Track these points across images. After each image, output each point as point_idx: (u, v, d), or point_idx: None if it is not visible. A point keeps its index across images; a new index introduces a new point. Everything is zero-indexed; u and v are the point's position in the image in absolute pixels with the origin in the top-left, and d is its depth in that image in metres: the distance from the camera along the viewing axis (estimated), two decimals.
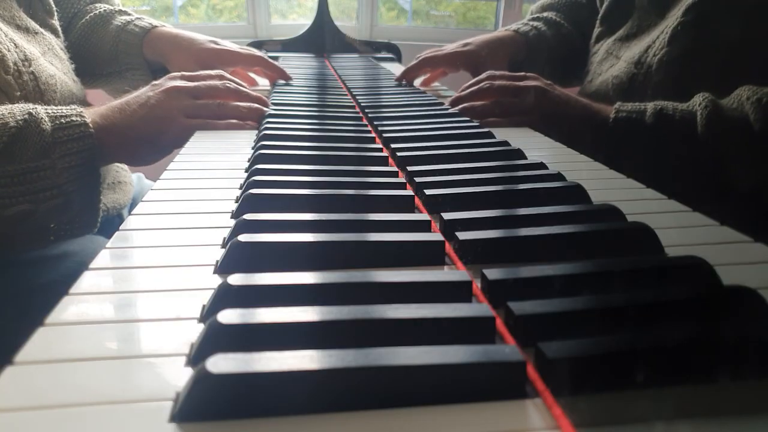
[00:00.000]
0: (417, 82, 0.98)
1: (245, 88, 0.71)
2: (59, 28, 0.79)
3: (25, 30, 0.71)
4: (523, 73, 0.74)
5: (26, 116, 0.53)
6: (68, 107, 0.57)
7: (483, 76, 0.76)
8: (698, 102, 0.62)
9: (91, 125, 0.56)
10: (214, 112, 0.65)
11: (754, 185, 0.60)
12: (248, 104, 0.68)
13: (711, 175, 0.62)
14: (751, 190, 0.60)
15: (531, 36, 0.96)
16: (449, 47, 0.97)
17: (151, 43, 0.88)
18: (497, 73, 0.76)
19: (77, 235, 0.60)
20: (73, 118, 0.55)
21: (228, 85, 0.69)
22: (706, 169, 0.62)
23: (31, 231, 0.55)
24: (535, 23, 0.98)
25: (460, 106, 0.73)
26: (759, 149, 0.60)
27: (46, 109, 0.55)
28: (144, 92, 0.64)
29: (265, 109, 0.69)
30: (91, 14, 0.89)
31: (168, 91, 0.64)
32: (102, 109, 0.61)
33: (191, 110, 0.64)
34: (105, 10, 0.90)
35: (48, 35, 0.75)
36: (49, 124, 0.54)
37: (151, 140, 0.62)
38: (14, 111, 0.53)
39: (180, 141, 0.60)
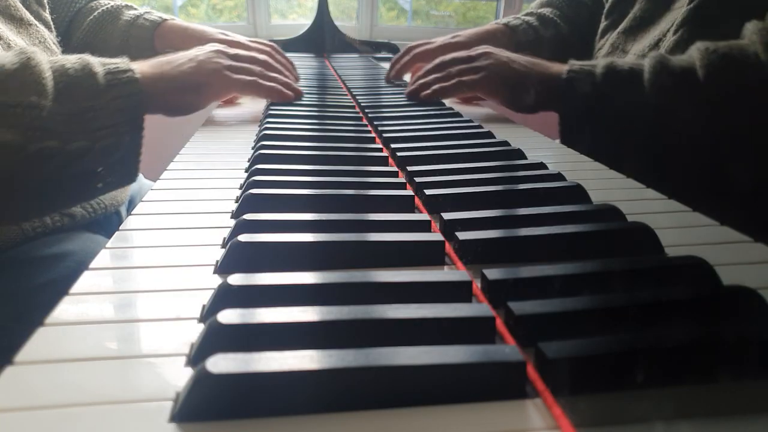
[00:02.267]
0: (407, 77, 0.98)
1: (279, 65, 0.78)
2: (51, 23, 0.80)
3: (19, 20, 0.72)
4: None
5: (80, 61, 0.58)
6: (114, 58, 0.63)
7: (435, 61, 0.79)
8: (649, 55, 0.64)
9: (136, 72, 0.61)
10: (255, 74, 0.71)
11: (747, 177, 0.60)
12: (284, 79, 0.75)
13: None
14: (751, 189, 0.60)
15: (520, 30, 0.96)
16: (439, 40, 0.96)
17: (162, 36, 0.90)
18: (446, 56, 0.79)
19: (119, 185, 0.64)
20: (120, 65, 0.61)
21: (266, 58, 0.76)
22: (655, 125, 0.64)
23: (82, 176, 0.60)
24: (528, 18, 0.99)
25: (426, 92, 0.76)
26: (704, 97, 0.61)
27: (93, 58, 0.60)
28: (191, 51, 0.71)
29: (292, 94, 0.74)
30: (99, 11, 0.90)
31: (215, 50, 0.71)
32: (152, 60, 0.68)
33: (235, 70, 0.70)
34: (112, 6, 0.91)
35: (41, 28, 0.76)
36: (101, 68, 0.59)
37: (196, 90, 0.67)
38: (69, 58, 0.58)
39: (221, 95, 0.70)
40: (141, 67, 0.63)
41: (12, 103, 0.52)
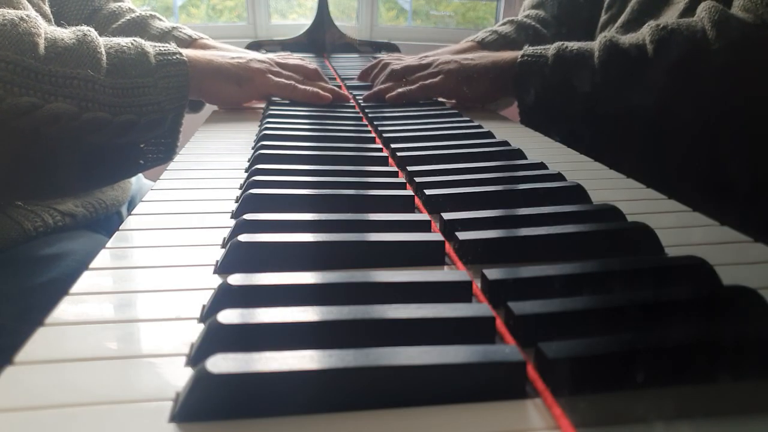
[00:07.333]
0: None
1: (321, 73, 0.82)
2: (51, 16, 0.79)
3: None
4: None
5: (134, 42, 0.63)
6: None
7: (386, 71, 0.82)
8: (599, 36, 0.66)
9: (184, 55, 0.65)
10: (294, 79, 0.76)
11: (744, 174, 0.61)
12: (327, 86, 0.79)
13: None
14: (751, 188, 0.60)
15: (493, 45, 0.95)
16: (408, 59, 0.92)
17: None
18: (397, 66, 0.82)
19: (159, 162, 0.69)
20: (170, 48, 0.65)
21: (309, 67, 0.82)
22: (608, 101, 0.66)
23: (126, 151, 0.66)
24: (502, 28, 0.98)
25: (391, 94, 0.77)
26: (652, 71, 0.62)
27: (145, 41, 0.65)
28: (242, 50, 0.78)
29: (330, 96, 0.77)
30: (124, 20, 0.89)
31: (264, 56, 0.79)
32: (203, 49, 0.75)
33: (276, 74, 0.75)
34: (138, 17, 0.89)
35: (40, 20, 0.75)
36: (152, 49, 0.63)
37: (238, 83, 0.72)
38: (123, 39, 0.63)
39: (260, 93, 0.75)
40: (190, 52, 0.68)
41: (70, 74, 0.56)
